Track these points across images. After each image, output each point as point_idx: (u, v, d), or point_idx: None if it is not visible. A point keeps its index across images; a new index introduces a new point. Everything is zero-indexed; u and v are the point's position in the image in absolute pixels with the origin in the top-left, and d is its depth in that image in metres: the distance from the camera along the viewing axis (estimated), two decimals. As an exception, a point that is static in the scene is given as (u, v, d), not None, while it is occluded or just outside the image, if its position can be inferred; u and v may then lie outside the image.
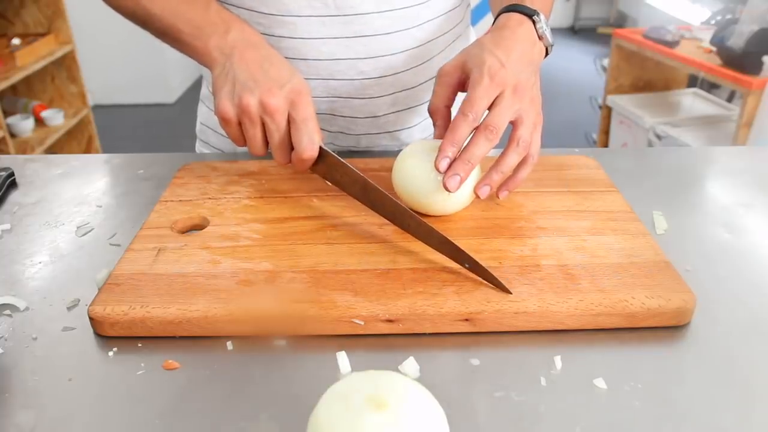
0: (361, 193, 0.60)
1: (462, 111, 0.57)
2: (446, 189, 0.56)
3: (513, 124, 0.59)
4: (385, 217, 0.59)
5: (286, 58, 0.72)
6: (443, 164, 0.57)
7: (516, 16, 0.63)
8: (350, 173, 0.59)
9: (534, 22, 0.63)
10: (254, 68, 0.60)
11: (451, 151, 0.57)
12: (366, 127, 0.79)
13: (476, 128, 0.58)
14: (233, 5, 0.71)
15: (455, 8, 0.78)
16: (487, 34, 0.63)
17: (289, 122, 0.60)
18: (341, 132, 0.80)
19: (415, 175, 0.59)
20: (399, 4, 0.71)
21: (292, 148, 0.61)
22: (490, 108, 0.58)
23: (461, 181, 0.57)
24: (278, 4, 0.69)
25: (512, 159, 0.59)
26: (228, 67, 0.61)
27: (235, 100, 0.59)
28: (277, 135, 0.60)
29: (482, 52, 0.60)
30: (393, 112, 0.79)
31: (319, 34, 0.71)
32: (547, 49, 0.65)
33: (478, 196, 0.59)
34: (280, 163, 0.62)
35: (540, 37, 0.63)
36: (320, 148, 0.60)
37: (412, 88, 0.78)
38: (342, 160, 0.60)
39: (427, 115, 0.65)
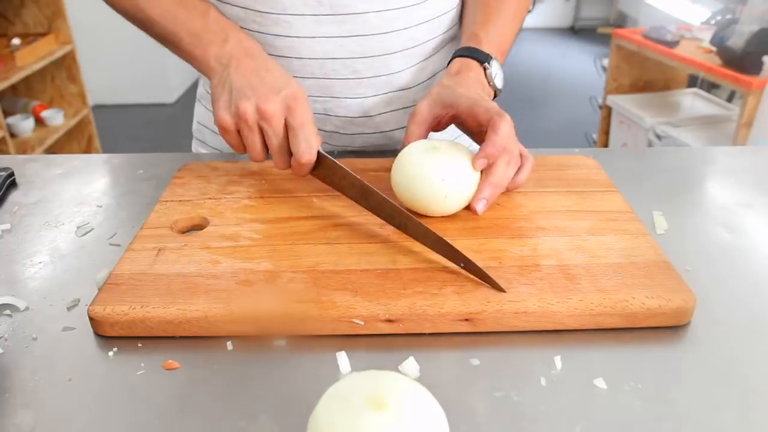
0: (360, 195, 0.60)
1: (501, 156, 0.60)
2: (476, 211, 0.60)
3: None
4: (383, 219, 0.59)
5: (281, 56, 0.72)
6: (480, 206, 0.60)
7: (469, 63, 0.68)
8: (348, 176, 0.60)
9: (485, 68, 0.68)
10: (251, 76, 0.61)
11: (493, 195, 0.61)
12: (360, 127, 0.79)
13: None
14: (229, 3, 0.71)
15: (450, 11, 0.78)
16: (445, 78, 0.67)
17: (286, 127, 0.60)
18: (335, 132, 0.80)
19: (414, 175, 0.59)
20: (394, 4, 0.71)
21: (290, 153, 0.61)
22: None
23: (488, 204, 0.60)
24: (273, 3, 0.69)
25: (504, 172, 0.61)
26: (225, 77, 0.62)
27: (233, 108, 0.60)
28: (275, 140, 0.60)
29: (464, 93, 0.63)
30: (387, 112, 0.79)
31: (313, 32, 0.71)
32: (495, 93, 0.70)
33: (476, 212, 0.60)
34: (279, 168, 0.63)
35: (489, 83, 0.68)
36: (318, 152, 0.60)
37: (408, 89, 0.78)
38: (340, 163, 0.60)
39: None
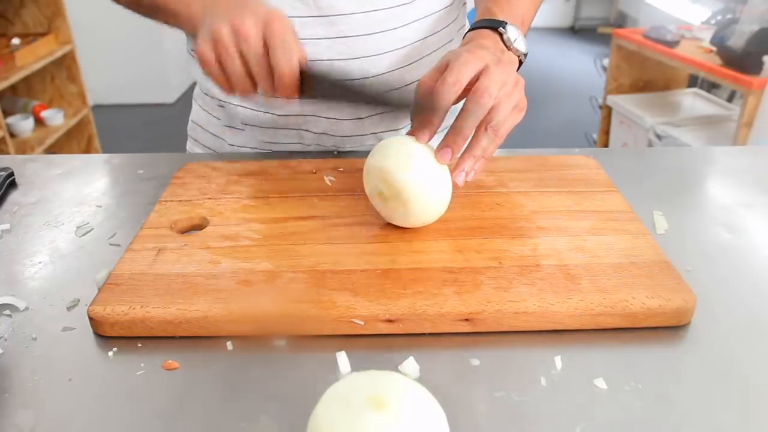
0: (353, 96, 0.59)
1: (442, 78, 0.55)
2: (440, 161, 0.55)
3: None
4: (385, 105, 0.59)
5: None
6: (422, 135, 0.55)
7: (481, 32, 0.64)
8: (339, 83, 0.58)
9: (500, 34, 0.63)
10: (228, 8, 0.58)
11: (429, 122, 0.55)
12: (350, 129, 0.79)
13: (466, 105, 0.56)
14: None
15: (446, 8, 0.77)
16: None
17: (266, 46, 0.57)
18: (325, 133, 0.79)
19: (375, 195, 0.58)
20: (383, 4, 0.70)
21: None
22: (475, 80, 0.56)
23: (453, 154, 0.55)
24: None
25: (483, 143, 0.56)
26: (208, 15, 0.59)
27: (209, 36, 0.57)
28: (254, 60, 0.57)
29: (456, 50, 0.59)
30: (377, 114, 0.78)
31: (301, 34, 0.69)
32: (519, 58, 0.64)
33: (456, 185, 0.57)
34: (267, 92, 0.59)
35: (508, 47, 0.63)
36: (302, 69, 0.58)
37: (398, 89, 0.76)
38: (325, 73, 0.58)
39: None
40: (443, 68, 0.58)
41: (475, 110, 0.55)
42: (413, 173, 0.55)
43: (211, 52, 0.57)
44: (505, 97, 0.56)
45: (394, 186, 0.55)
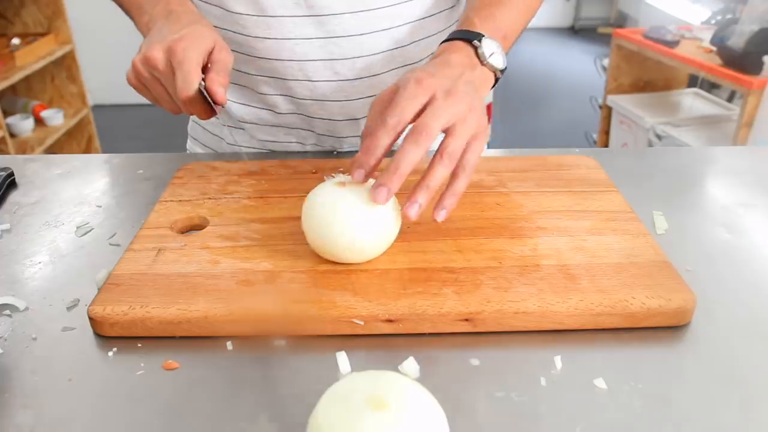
0: None
1: (382, 116, 0.51)
2: (374, 201, 0.50)
3: (445, 133, 0.52)
4: None
5: (263, 58, 0.72)
6: (358, 174, 0.51)
7: (455, 44, 0.59)
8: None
9: (475, 48, 0.59)
10: (153, 34, 0.62)
11: (366, 163, 0.51)
12: (347, 130, 0.78)
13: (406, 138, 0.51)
14: (210, 3, 0.71)
15: (434, 14, 0.76)
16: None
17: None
18: (323, 134, 0.79)
19: (320, 224, 0.52)
20: (374, 4, 0.70)
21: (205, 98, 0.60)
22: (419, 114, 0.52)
23: (389, 194, 0.50)
24: (252, 5, 0.69)
25: (438, 172, 0.50)
26: (146, 37, 0.63)
27: (132, 64, 0.62)
28: (169, 84, 0.60)
29: (411, 72, 0.55)
30: None
31: (292, 34, 0.70)
32: (495, 74, 0.60)
33: (409, 218, 0.50)
34: (188, 113, 0.63)
35: (482, 62, 0.59)
36: (207, 90, 0.59)
37: None
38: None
39: None
40: (395, 91, 0.53)
41: (411, 150, 0.50)
42: (340, 215, 0.51)
43: (135, 79, 0.62)
44: (460, 124, 0.51)
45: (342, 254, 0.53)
